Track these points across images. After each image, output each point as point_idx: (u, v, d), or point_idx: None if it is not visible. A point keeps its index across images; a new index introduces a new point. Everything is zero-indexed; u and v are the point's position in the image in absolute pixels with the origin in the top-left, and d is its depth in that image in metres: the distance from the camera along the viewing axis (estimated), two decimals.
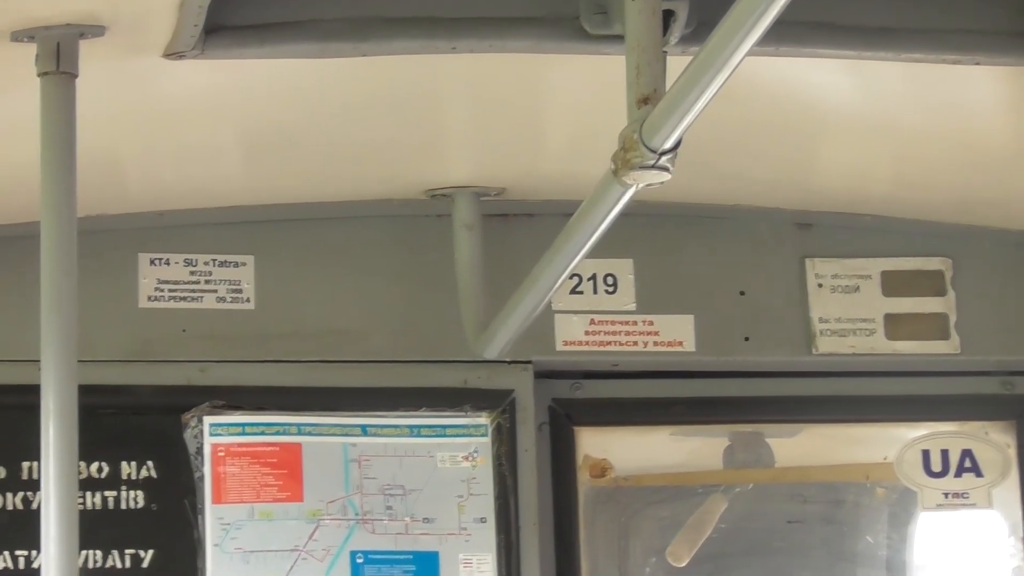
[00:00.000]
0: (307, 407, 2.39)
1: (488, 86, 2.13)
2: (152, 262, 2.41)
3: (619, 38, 1.81)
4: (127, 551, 2.33)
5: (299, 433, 2.37)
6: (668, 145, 1.64)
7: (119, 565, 2.33)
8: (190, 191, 2.42)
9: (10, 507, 2.33)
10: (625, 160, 1.66)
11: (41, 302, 1.68)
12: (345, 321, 2.44)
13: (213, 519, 2.32)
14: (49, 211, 1.71)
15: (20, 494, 2.32)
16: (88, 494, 2.29)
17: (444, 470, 2.38)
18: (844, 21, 1.94)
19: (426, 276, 2.46)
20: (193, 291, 2.41)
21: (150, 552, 2.33)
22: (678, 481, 2.54)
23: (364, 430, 2.38)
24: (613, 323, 2.47)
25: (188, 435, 2.35)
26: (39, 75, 1.77)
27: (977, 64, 1.95)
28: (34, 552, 2.28)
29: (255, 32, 1.88)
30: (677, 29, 1.82)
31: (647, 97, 1.64)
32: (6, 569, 2.32)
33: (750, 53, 1.41)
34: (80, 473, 1.90)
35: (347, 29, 1.91)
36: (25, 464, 2.32)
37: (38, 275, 1.68)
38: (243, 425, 2.36)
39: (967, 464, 2.58)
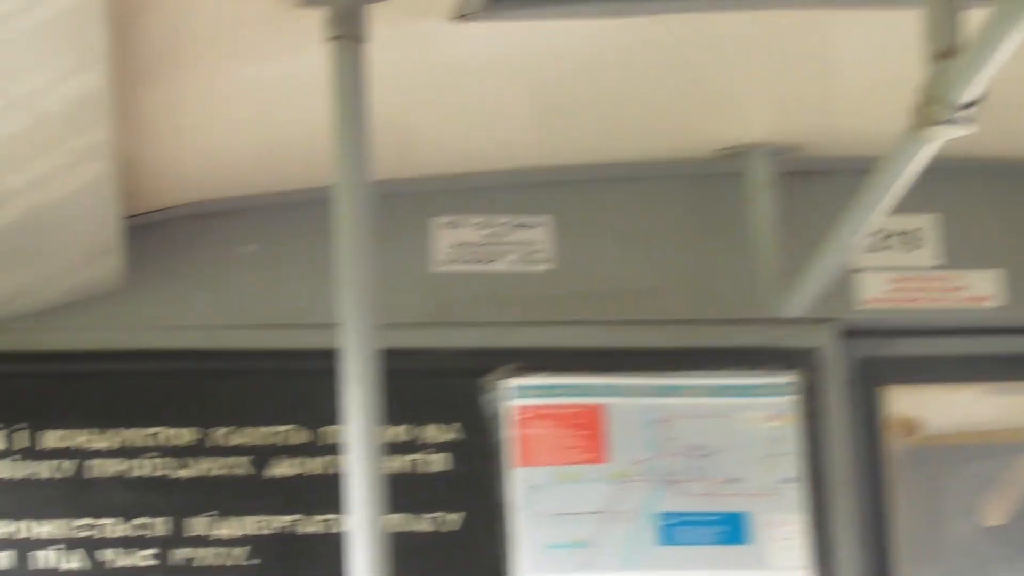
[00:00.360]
0: (608, 369, 2.35)
1: (780, 41, 2.04)
2: (445, 225, 2.41)
3: None
4: (431, 514, 2.34)
5: (603, 395, 2.33)
6: (970, 98, 1.57)
7: (424, 528, 2.35)
8: (482, 153, 2.37)
9: (312, 472, 2.38)
10: (925, 115, 1.58)
11: (338, 266, 1.67)
12: (643, 282, 2.39)
13: (518, 482, 2.31)
14: (344, 175, 1.69)
15: (323, 458, 2.36)
16: (391, 457, 2.30)
17: (749, 430, 2.34)
18: None
19: (721, 235, 2.40)
20: (488, 253, 2.40)
21: (454, 515, 2.33)
22: (991, 439, 2.46)
23: (667, 391, 2.34)
24: (918, 279, 2.38)
25: (490, 398, 2.35)
26: (329, 40, 1.74)
27: None
28: (337, 516, 2.31)
29: None
30: None
31: (946, 50, 1.55)
32: (310, 534, 2.36)
33: None
34: (383, 437, 1.89)
35: None
36: (327, 428, 2.33)
37: (330, 240, 1.68)
38: (547, 387, 2.33)
39: None
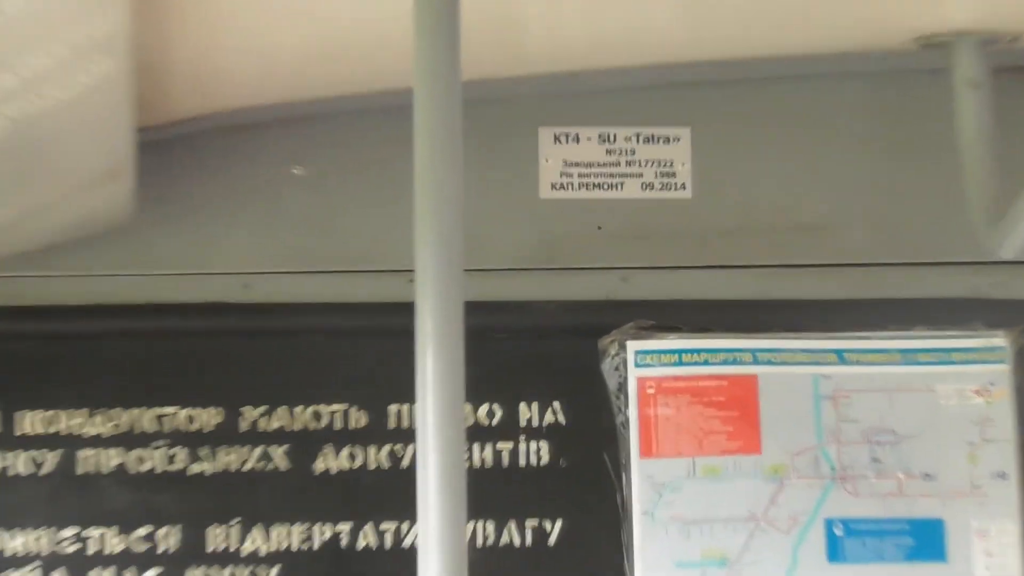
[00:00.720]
0: (763, 327, 1.79)
1: None
2: (556, 139, 1.86)
3: None
4: (528, 522, 1.79)
5: (754, 362, 1.77)
6: None
7: (518, 541, 1.79)
8: (604, 46, 1.80)
9: (372, 465, 1.83)
10: None
11: (415, 194, 1.15)
12: (810, 213, 1.84)
13: (642, 478, 1.75)
14: (424, 74, 1.17)
15: (386, 447, 1.81)
16: (476, 447, 1.77)
17: (949, 408, 1.78)
18: None
19: (917, 150, 1.83)
20: (611, 175, 1.87)
21: (558, 523, 1.78)
22: None
23: (841, 356, 1.77)
24: None
25: (607, 366, 1.78)
26: None
27: None
28: (406, 524, 1.77)
29: None
30: None
31: None
32: (369, 547, 1.81)
33: None
34: (466, 419, 1.36)
35: None
36: (392, 408, 1.82)
37: (411, 158, 1.15)
38: (680, 352, 1.78)
39: None
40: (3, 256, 1.74)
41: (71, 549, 1.72)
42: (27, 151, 1.59)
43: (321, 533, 1.75)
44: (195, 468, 1.75)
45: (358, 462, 1.76)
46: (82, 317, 1.79)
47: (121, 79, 1.55)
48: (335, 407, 1.77)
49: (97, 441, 1.74)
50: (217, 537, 1.73)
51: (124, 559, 1.73)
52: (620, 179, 1.82)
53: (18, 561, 1.72)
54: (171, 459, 1.75)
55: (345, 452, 1.76)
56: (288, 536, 1.74)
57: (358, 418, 1.77)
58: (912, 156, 1.84)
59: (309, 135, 1.85)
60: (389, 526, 1.76)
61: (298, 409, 1.76)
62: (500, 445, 1.77)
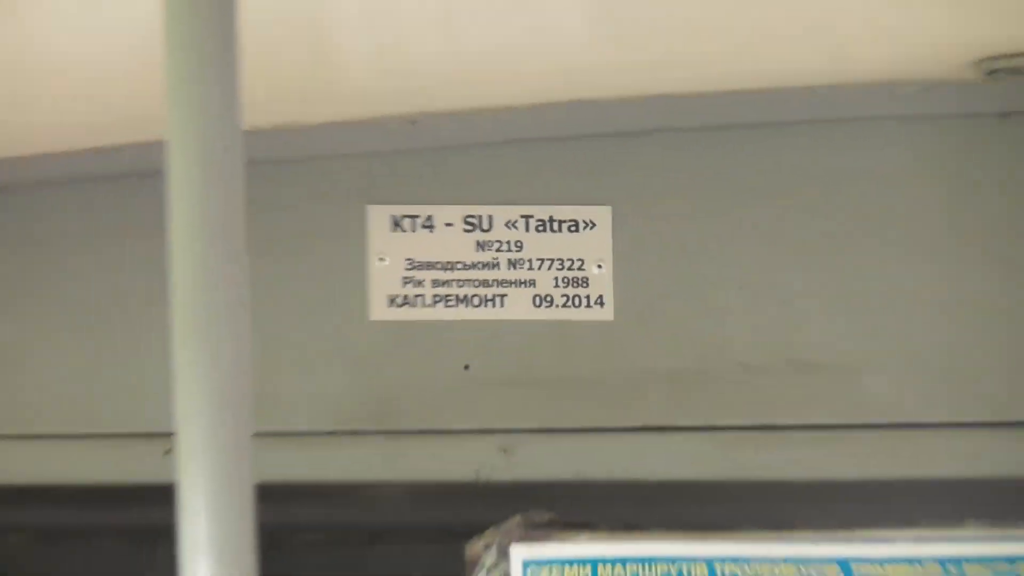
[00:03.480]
0: (726, 523, 1.18)
1: None
2: (396, 223, 1.25)
3: None
4: None
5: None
6: None
7: None
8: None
9: None
10: None
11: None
12: (805, 343, 1.20)
13: None
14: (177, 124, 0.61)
15: None
16: None
17: None
18: None
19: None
20: (485, 283, 1.22)
21: None
22: None
23: (846, 568, 1.16)
24: None
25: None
26: None
27: None
28: None
29: None
30: None
31: None
32: None
33: None
34: None
35: None
36: None
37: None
38: (594, 562, 1.14)
39: None
40: None
41: None
42: None
43: None
44: None
45: None
46: None
47: None
48: None
49: None
50: None
51: None
52: (500, 289, 1.20)
53: None
54: None
55: None
56: None
57: None
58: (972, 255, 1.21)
59: None
60: None
61: None
62: None
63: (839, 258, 1.17)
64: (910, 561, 1.13)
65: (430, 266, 1.17)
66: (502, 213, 1.18)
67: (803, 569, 1.13)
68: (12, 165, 1.19)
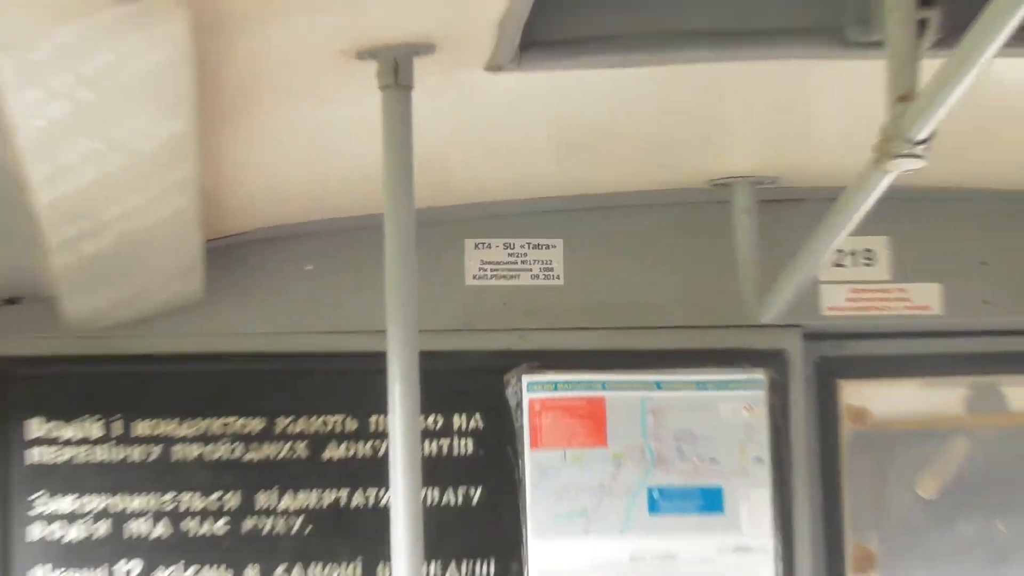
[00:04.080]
0: (609, 367, 2.79)
1: (765, 88, 2.39)
2: (476, 246, 2.81)
3: (878, 44, 2.02)
4: (460, 489, 2.78)
5: (603, 389, 2.77)
6: (923, 136, 1.84)
7: (453, 501, 2.78)
8: (507, 185, 2.78)
9: (361, 454, 2.79)
10: (886, 150, 1.88)
11: (386, 280, 2.02)
12: (640, 295, 2.82)
13: (532, 463, 2.76)
14: (391, 204, 2.03)
15: (370, 443, 2.78)
16: (427, 442, 2.72)
17: (726, 419, 2.78)
18: None
19: (709, 254, 2.81)
20: (511, 270, 2.82)
21: (479, 489, 2.78)
22: (928, 426, 2.91)
23: (658, 386, 2.78)
24: (871, 291, 2.82)
25: (509, 392, 2.77)
26: (380, 88, 2.04)
27: None
28: (383, 490, 2.73)
29: (565, 47, 2.16)
30: (930, 36, 2.03)
31: (905, 95, 1.87)
32: (359, 505, 2.78)
33: (996, 56, 1.56)
34: (420, 424, 2.29)
35: (648, 42, 2.18)
36: (373, 418, 2.76)
37: (383, 258, 2.07)
38: (556, 383, 2.77)
39: None
40: (122, 321, 2.70)
41: (169, 507, 2.71)
42: (129, 256, 2.46)
43: (328, 498, 2.75)
44: (247, 456, 2.74)
45: (351, 453, 2.75)
46: (174, 361, 2.75)
47: (191, 209, 2.43)
48: (335, 417, 2.75)
49: (184, 439, 2.73)
50: (263, 500, 2.73)
51: (203, 514, 2.71)
52: (517, 272, 2.79)
53: (136, 515, 2.71)
54: (231, 450, 2.74)
55: (343, 446, 2.74)
56: (307, 499, 2.75)
57: (351, 424, 2.75)
58: (706, 257, 2.80)
59: (315, 244, 2.79)
60: (372, 491, 2.76)
61: (312, 419, 2.75)
62: (442, 441, 2.76)
63: (648, 263, 2.86)
64: (684, 382, 2.74)
65: (489, 263, 2.77)
66: (517, 241, 2.79)
67: (640, 385, 2.75)
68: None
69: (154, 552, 2.71)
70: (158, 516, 2.70)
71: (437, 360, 2.50)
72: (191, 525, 2.71)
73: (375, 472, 2.67)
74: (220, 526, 2.72)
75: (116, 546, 2.72)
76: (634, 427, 2.76)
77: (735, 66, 2.25)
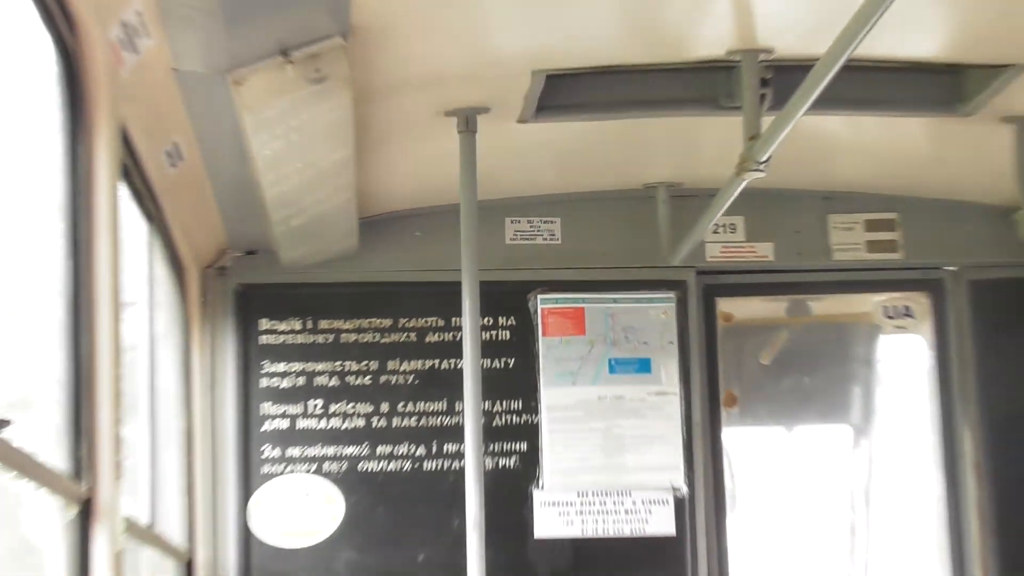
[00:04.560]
0: (587, 291, 4.77)
1: (673, 131, 4.19)
2: (511, 221, 4.74)
3: (738, 108, 3.54)
4: (502, 359, 4.70)
5: (583, 303, 4.74)
6: (763, 159, 3.28)
7: (498, 366, 4.68)
8: (528, 185, 4.67)
9: (447, 339, 4.65)
10: (743, 167, 3.39)
11: (461, 241, 3.86)
12: (606, 250, 4.74)
13: (543, 344, 4.72)
14: (464, 197, 3.89)
15: (451, 333, 4.65)
16: (483, 332, 4.43)
17: (653, 319, 4.75)
18: (843, 95, 3.50)
19: (643, 226, 4.70)
20: (531, 235, 4.75)
21: (512, 359, 4.72)
22: (765, 323, 5.01)
23: (615, 300, 4.76)
24: (734, 248, 4.78)
25: (530, 304, 4.72)
26: (458, 133, 3.82)
27: None
28: (459, 360, 4.44)
29: (563, 109, 3.89)
30: (767, 102, 3.48)
31: (753, 136, 3.34)
32: (445, 368, 4.64)
33: (805, 114, 2.94)
34: (479, 322, 4.20)
35: (605, 108, 3.89)
36: (453, 319, 4.58)
37: (459, 227, 4.02)
38: (556, 299, 4.74)
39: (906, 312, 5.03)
40: (310, 263, 4.65)
41: (338, 370, 4.64)
42: (315, 227, 4.25)
43: (428, 363, 4.73)
44: (382, 340, 4.70)
45: (441, 338, 4.80)
46: (341, 286, 4.69)
47: (351, 200, 4.19)
48: (432, 318, 4.73)
49: (346, 330, 4.69)
50: (391, 364, 4.70)
51: (357, 372, 4.67)
52: (534, 236, 4.75)
53: (318, 373, 4.68)
54: (373, 336, 4.70)
55: (436, 335, 4.78)
56: (416, 364, 4.72)
57: (440, 322, 4.78)
58: (642, 230, 4.72)
59: (421, 220, 4.70)
60: (453, 360, 4.74)
61: (419, 319, 4.73)
62: (492, 332, 4.70)
63: (609, 234, 4.93)
64: (630, 299, 4.79)
65: (520, 231, 4.80)
66: (537, 219, 4.82)
67: (604, 300, 4.81)
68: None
69: (329, 395, 4.65)
70: (331, 374, 4.67)
71: (489, 286, 4.25)
72: (350, 379, 4.66)
73: (454, 350, 4.52)
74: (367, 380, 4.68)
75: (307, 391, 4.65)
76: (600, 324, 4.74)
77: (656, 121, 4.03)
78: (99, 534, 2.64)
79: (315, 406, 4.65)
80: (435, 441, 4.65)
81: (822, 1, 3.15)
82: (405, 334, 4.75)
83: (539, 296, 4.77)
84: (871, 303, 4.98)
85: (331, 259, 4.69)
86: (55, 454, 2.56)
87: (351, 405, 4.67)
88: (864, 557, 5.01)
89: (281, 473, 4.59)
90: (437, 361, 4.74)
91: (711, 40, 3.54)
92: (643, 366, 4.76)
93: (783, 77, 3.43)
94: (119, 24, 2.78)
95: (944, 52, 3.73)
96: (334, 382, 4.68)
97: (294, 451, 4.61)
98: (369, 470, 4.63)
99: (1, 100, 2.53)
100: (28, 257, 2.69)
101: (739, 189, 3.63)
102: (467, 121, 3.87)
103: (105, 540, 2.66)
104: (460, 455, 4.37)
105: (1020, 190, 4.21)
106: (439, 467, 4.63)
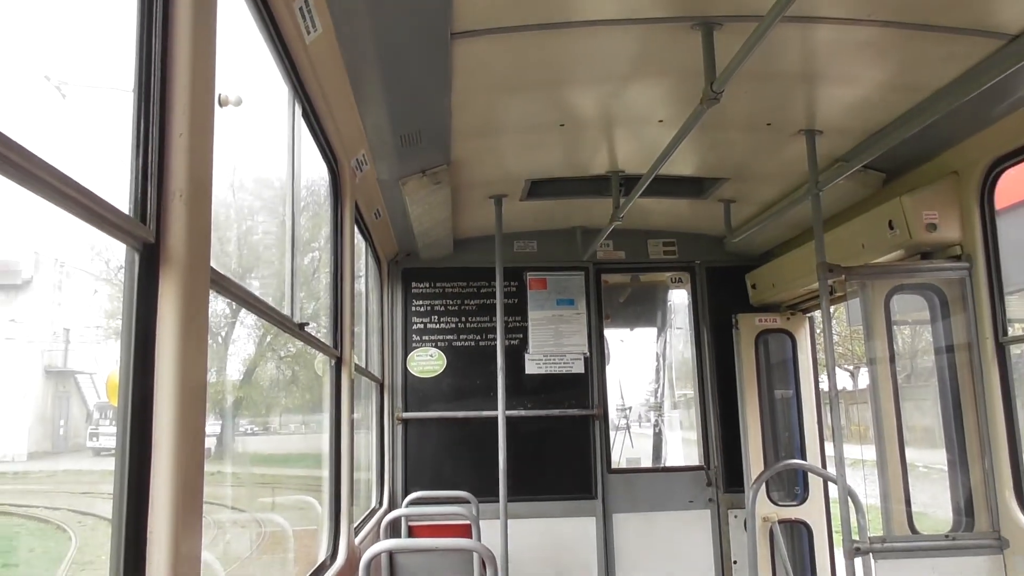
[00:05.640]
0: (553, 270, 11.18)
1: (581, 211, 10.49)
2: (516, 241, 10.93)
3: (610, 196, 8.30)
4: (512, 299, 11.00)
5: (547, 276, 11.19)
6: (621, 216, 8.41)
7: (512, 303, 11.05)
8: (522, 226, 10.55)
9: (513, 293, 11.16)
10: (613, 217, 10.12)
11: (496, 249, 10.02)
12: (555, 250, 11.16)
13: (530, 296, 11.18)
14: (497, 231, 9.75)
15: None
16: None
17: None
18: (655, 190, 10.37)
19: (570, 244, 11.12)
20: (524, 248, 11.06)
21: (516, 300, 11.09)
22: (621, 284, 11.47)
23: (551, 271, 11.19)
24: (605, 250, 11.23)
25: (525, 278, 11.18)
26: (494, 205, 8.63)
27: None
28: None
29: (538, 195, 8.86)
30: (622, 194, 8.00)
31: (616, 207, 9.87)
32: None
33: (639, 197, 7.35)
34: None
35: (556, 195, 9.19)
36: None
37: (487, 247, 10.35)
38: (538, 275, 11.19)
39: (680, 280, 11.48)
40: (426, 256, 10.91)
41: (455, 315, 10.83)
42: (429, 233, 9.41)
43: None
44: (486, 301, 10.78)
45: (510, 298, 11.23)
46: (445, 270, 10.81)
47: (447, 222, 9.47)
48: (495, 281, 11.15)
49: (449, 292, 10.89)
50: (479, 319, 11.14)
51: (453, 308, 11.07)
52: (527, 248, 11.06)
53: (441, 314, 10.96)
54: (480, 296, 10.96)
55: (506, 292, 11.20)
56: (492, 300, 11.12)
57: (513, 285, 11.22)
58: (569, 244, 10.95)
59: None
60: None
61: (493, 282, 11.09)
62: (505, 290, 11.16)
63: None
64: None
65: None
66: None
67: None
68: None
69: (439, 313, 10.75)
70: (439, 305, 10.73)
71: (506, 270, 10.81)
72: (447, 306, 10.70)
73: (492, 296, 10.59)
74: (454, 307, 10.69)
75: (430, 312, 10.54)
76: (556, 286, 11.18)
77: (577, 200, 9.83)
78: (344, 374, 6.30)
79: (433, 318, 10.68)
80: (484, 333, 10.42)
81: (643, 148, 6.68)
82: (470, 288, 10.32)
83: (528, 274, 11.07)
84: (664, 277, 11.35)
85: (441, 257, 9.94)
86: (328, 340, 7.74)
87: (447, 318, 10.65)
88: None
89: (419, 346, 10.90)
90: (485, 300, 10.14)
91: (600, 165, 7.41)
92: (570, 303, 11.06)
93: (629, 182, 7.36)
94: (355, 159, 6.08)
95: (694, 171, 7.58)
96: (440, 308, 10.56)
97: (425, 336, 10.52)
98: (455, 346, 10.57)
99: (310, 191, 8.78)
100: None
101: (611, 228, 7.66)
102: (498, 200, 8.43)
103: (346, 374, 6.26)
104: (494, 338, 10.13)
105: (725, 228, 9.11)
106: (486, 343, 10.45)
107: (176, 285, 2.64)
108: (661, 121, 6.21)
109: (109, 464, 2.34)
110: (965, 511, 6.17)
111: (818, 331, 10.37)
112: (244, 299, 3.65)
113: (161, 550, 2.49)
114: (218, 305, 7.35)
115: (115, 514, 2.50)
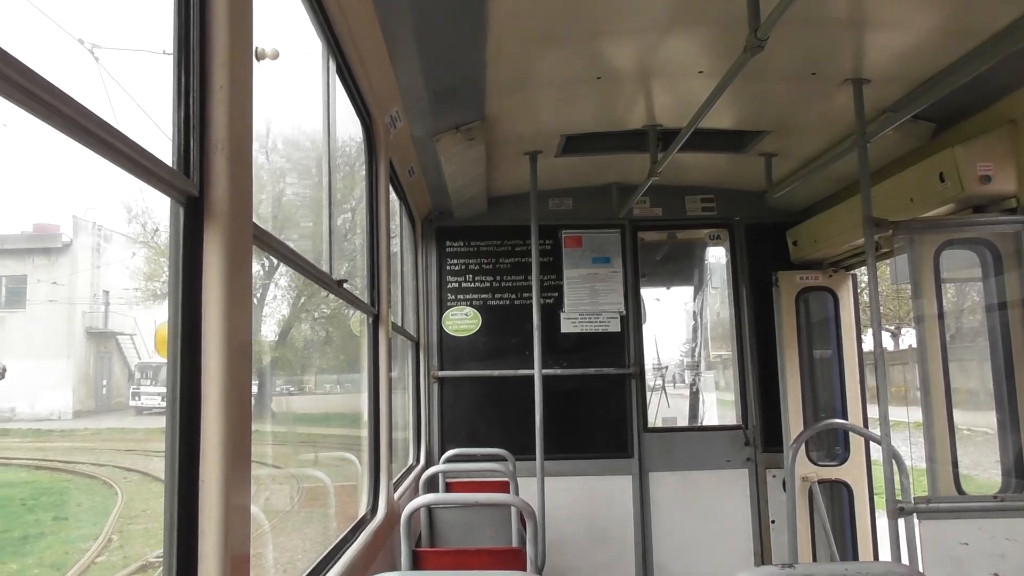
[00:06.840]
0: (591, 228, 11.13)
1: (619, 164, 10.50)
2: (551, 199, 10.96)
3: (647, 151, 8.85)
4: (546, 258, 10.96)
5: (582, 232, 11.12)
6: (660, 171, 7.63)
7: (547, 260, 10.98)
8: (557, 183, 10.56)
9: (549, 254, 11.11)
10: (652, 172, 10.05)
11: (531, 206, 10.10)
12: (582, 207, 11.07)
13: (565, 254, 11.12)
14: (532, 189, 10.00)
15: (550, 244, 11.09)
16: None
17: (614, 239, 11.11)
18: (692, 144, 10.37)
19: (604, 199, 11.06)
20: (559, 205, 11.01)
21: (551, 259, 11.05)
22: (658, 241, 11.40)
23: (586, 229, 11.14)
24: (641, 208, 11.14)
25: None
26: (530, 162, 8.37)
27: None
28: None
29: (573, 151, 9.36)
30: (660, 149, 7.50)
31: (654, 163, 9.75)
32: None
33: (677, 152, 7.07)
34: None
35: (593, 151, 10.15)
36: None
37: (522, 204, 10.28)
38: (572, 233, 11.11)
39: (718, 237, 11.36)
40: (461, 214, 10.84)
41: (489, 276, 10.78)
42: (465, 194, 9.68)
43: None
44: (522, 260, 10.71)
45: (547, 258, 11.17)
46: (480, 228, 10.72)
47: (482, 188, 10.28)
48: (529, 241, 11.07)
49: (484, 252, 10.84)
50: (515, 277, 11.06)
51: (488, 267, 10.99)
52: (563, 205, 10.98)
53: (476, 274, 10.91)
54: (517, 255, 10.91)
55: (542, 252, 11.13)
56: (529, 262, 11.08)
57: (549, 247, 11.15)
58: (603, 199, 10.88)
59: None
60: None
61: (528, 241, 11.03)
62: (541, 249, 11.09)
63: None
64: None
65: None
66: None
67: None
68: None
69: (473, 272, 10.62)
70: (474, 264, 10.69)
71: (541, 228, 10.72)
72: (482, 265, 10.67)
73: (527, 254, 10.57)
74: (488, 266, 10.66)
75: (465, 271, 10.82)
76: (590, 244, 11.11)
77: (611, 156, 10.29)
78: (381, 332, 6.36)
79: (468, 277, 10.65)
80: (519, 292, 10.54)
81: (682, 101, 6.54)
82: (505, 247, 10.44)
83: (563, 232, 10.98)
84: (702, 234, 11.28)
85: (475, 215, 9.80)
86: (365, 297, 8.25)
87: (482, 277, 10.66)
88: None
89: (454, 304, 10.86)
90: (520, 259, 9.99)
91: (636, 119, 7.20)
92: (606, 261, 11.00)
93: (667, 137, 7.07)
94: (388, 116, 5.99)
95: (734, 124, 7.41)
96: (475, 267, 10.56)
97: (459, 295, 10.62)
98: (490, 305, 10.69)
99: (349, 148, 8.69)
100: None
101: (648, 184, 7.58)
102: (533, 157, 8.19)
103: (383, 332, 6.25)
104: (529, 297, 10.23)
105: (766, 183, 9.10)
106: (521, 302, 10.56)
107: (221, 238, 2.63)
108: (701, 72, 6.09)
109: (151, 423, 2.29)
110: (1016, 472, 6.06)
111: (861, 287, 10.21)
112: (285, 255, 3.61)
113: (212, 499, 2.55)
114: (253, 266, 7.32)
115: (167, 464, 2.56)
